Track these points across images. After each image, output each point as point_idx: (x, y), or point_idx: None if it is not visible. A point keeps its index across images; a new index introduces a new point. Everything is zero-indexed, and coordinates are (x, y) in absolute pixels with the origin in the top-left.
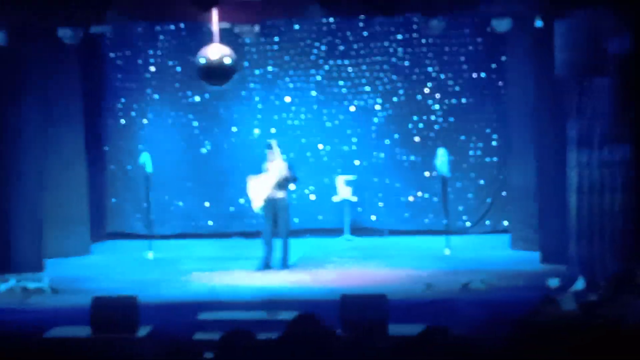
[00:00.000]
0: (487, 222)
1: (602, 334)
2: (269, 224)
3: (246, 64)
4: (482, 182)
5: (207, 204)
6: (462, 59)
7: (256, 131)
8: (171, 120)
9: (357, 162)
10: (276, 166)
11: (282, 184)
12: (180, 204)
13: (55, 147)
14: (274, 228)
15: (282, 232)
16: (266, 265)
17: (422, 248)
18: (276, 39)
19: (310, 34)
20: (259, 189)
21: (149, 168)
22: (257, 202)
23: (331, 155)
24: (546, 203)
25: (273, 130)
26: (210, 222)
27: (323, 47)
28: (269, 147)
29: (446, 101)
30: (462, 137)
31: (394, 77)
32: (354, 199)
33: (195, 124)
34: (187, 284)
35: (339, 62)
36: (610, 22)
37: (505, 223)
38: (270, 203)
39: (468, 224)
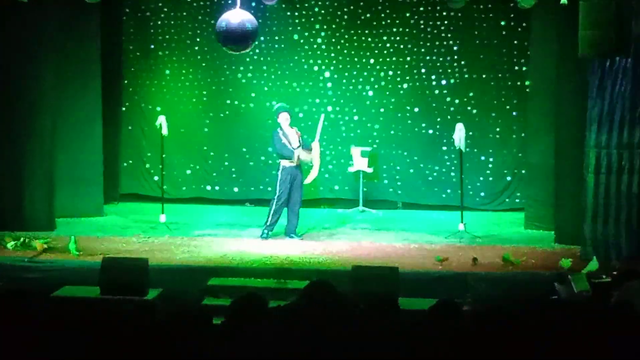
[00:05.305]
0: (506, 200)
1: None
2: (286, 193)
3: (266, 30)
4: (501, 159)
5: (222, 169)
6: (485, 33)
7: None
8: (189, 83)
9: (375, 134)
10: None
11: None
12: (197, 167)
13: (72, 106)
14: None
15: (297, 202)
16: (269, 235)
17: (436, 222)
18: (297, 5)
19: (332, 2)
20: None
21: (165, 130)
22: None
23: (349, 126)
24: (563, 182)
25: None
26: (225, 188)
27: (345, 17)
28: (288, 109)
29: (467, 76)
30: (482, 113)
31: (415, 49)
32: (370, 170)
33: (214, 88)
34: (198, 248)
35: (360, 32)
36: (635, 3)
37: (522, 201)
38: (294, 172)
39: (485, 200)
